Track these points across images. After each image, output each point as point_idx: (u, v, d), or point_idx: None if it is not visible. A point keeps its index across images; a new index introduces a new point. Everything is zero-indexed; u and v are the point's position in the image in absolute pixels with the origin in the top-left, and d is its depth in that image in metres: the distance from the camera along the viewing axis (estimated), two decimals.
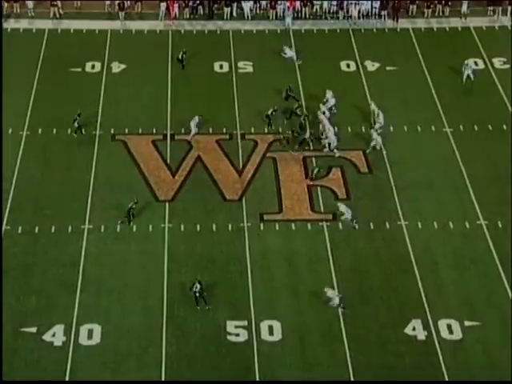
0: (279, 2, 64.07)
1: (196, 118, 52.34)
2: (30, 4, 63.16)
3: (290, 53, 58.48)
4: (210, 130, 52.81)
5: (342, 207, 46.80)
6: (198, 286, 42.04)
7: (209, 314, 41.92)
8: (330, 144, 51.50)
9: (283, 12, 63.96)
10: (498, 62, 59.62)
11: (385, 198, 48.84)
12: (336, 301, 41.07)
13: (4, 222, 46.39)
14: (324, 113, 52.90)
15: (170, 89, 56.63)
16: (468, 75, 56.60)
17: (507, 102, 55.56)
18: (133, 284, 43.56)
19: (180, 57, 57.84)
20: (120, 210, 47.19)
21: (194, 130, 52.22)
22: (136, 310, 42.26)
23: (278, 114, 53.22)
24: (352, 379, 39.02)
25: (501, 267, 44.56)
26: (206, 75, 57.88)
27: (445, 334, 41.38)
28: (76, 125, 51.60)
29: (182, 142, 52.27)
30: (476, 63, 59.43)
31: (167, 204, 48.15)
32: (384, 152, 51.51)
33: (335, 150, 51.22)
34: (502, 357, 40.23)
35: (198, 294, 42.06)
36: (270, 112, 52.87)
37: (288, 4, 63.92)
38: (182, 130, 53.04)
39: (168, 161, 50.96)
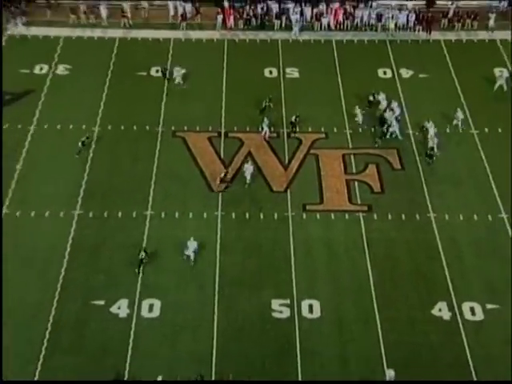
0: (324, 15, 63.78)
1: (266, 120, 52.24)
2: (104, 15, 63.49)
3: None
4: (260, 129, 52.62)
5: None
6: (143, 254, 42.97)
7: (255, 293, 41.97)
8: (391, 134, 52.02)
9: (328, 24, 63.71)
10: None
11: (415, 192, 48.45)
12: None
13: (78, 207, 46.73)
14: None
15: (224, 91, 56.55)
16: (501, 85, 55.83)
17: None
18: (189, 265, 43.66)
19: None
20: (178, 198, 47.44)
21: (266, 128, 52.12)
22: (191, 288, 42.45)
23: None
24: (383, 355, 38.96)
25: None
26: (256, 80, 57.73)
27: (468, 315, 41.22)
28: (80, 145, 50.27)
29: (234, 138, 52.16)
30: (501, 72, 58.56)
31: (220, 194, 48.15)
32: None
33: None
34: None
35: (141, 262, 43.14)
36: (293, 119, 52.74)
37: (331, 17, 63.71)
38: (235, 128, 52.98)
39: (221, 155, 50.91)
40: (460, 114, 52.84)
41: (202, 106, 55.20)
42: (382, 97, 54.61)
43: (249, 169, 48.99)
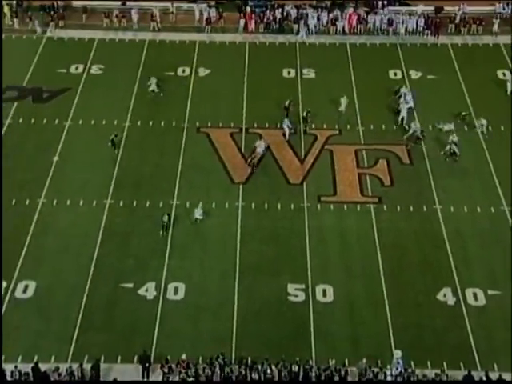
0: (339, 20, 63.52)
1: (286, 120, 51.93)
2: (135, 19, 63.53)
3: None
4: (278, 126, 52.47)
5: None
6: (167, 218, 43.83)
7: (273, 278, 41.91)
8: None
9: (342, 29, 63.50)
10: None
11: (423, 185, 48.19)
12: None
13: (109, 197, 46.80)
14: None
15: (245, 90, 56.49)
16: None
17: None
18: (211, 251, 43.70)
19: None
20: (202, 189, 47.42)
21: (287, 129, 51.81)
22: (213, 273, 42.44)
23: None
24: (391, 337, 38.83)
25: None
26: (275, 80, 57.60)
27: (471, 300, 40.98)
28: (110, 143, 49.93)
29: (254, 134, 52.01)
30: (504, 74, 58.31)
31: (241, 186, 48.08)
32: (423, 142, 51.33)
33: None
34: None
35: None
36: (304, 114, 52.75)
37: (346, 22, 63.47)
38: (255, 125, 52.87)
39: (242, 150, 50.83)
40: (483, 121, 52.17)
41: (225, 103, 55.19)
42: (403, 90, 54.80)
43: (260, 146, 49.05)
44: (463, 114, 53.16)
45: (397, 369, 36.63)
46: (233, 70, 58.92)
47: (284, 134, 51.86)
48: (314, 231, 45.01)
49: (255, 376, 36.22)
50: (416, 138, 51.13)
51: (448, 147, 49.96)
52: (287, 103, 53.45)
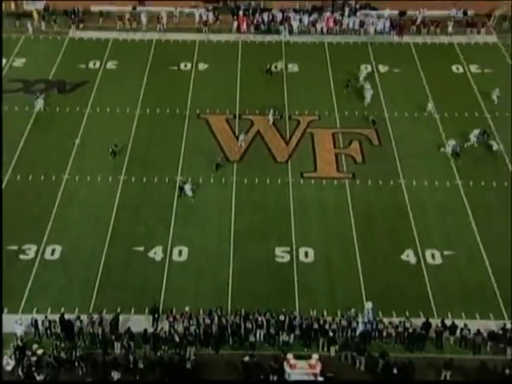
0: (318, 22, 63.01)
1: (271, 110, 51.46)
2: (144, 22, 62.89)
3: None
4: (267, 112, 52.13)
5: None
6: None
7: (263, 242, 41.76)
8: None
9: (321, 29, 62.97)
10: (473, 68, 57.92)
11: (390, 163, 47.94)
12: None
13: (122, 174, 46.46)
14: None
15: (238, 82, 55.97)
16: (493, 100, 52.97)
17: (479, 97, 54.03)
18: (210, 220, 43.46)
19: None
20: (202, 168, 47.07)
21: (271, 118, 51.31)
22: (212, 238, 42.23)
23: None
24: (363, 291, 38.82)
25: (471, 214, 43.88)
26: (264, 73, 56.89)
27: (429, 260, 40.96)
28: (111, 152, 47.46)
29: (246, 120, 51.65)
30: (457, 68, 58.05)
31: (235, 164, 47.79)
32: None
33: None
34: (469, 276, 39.96)
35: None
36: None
37: (324, 24, 62.91)
38: (247, 111, 52.46)
39: (236, 133, 50.43)
40: (430, 105, 52.00)
41: (221, 93, 54.59)
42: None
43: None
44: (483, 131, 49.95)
45: (367, 318, 36.68)
46: (228, 64, 58.35)
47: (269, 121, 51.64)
48: (297, 203, 44.79)
49: (248, 325, 36.20)
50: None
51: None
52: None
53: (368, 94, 53.26)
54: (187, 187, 44.50)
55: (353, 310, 36.98)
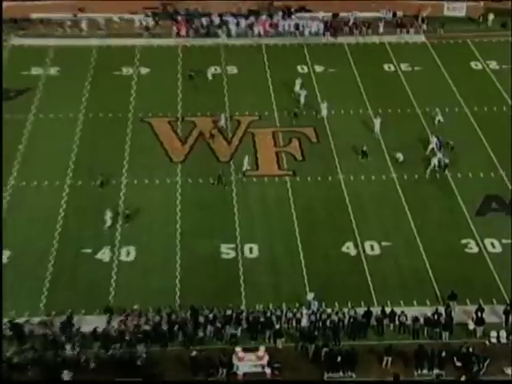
0: (254, 25, 63.22)
1: (222, 117, 51.36)
2: (85, 27, 62.47)
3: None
4: (209, 114, 52.14)
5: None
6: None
7: (208, 239, 41.77)
8: None
9: (258, 32, 63.14)
10: (403, 66, 58.84)
11: (328, 160, 48.36)
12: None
13: (68, 178, 45.83)
14: None
15: (180, 85, 55.75)
16: (439, 120, 51.39)
17: (410, 95, 54.86)
18: (157, 219, 43.32)
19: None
20: (146, 168, 46.83)
21: (222, 122, 51.18)
22: (159, 237, 42.10)
23: None
24: (306, 283, 39.15)
25: (406, 205, 44.59)
26: (204, 76, 56.68)
27: (368, 251, 41.50)
28: (99, 182, 45.80)
29: (188, 122, 51.48)
30: (389, 67, 58.95)
31: (179, 164, 47.64)
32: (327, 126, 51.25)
33: None
34: (405, 266, 40.59)
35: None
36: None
37: (261, 27, 63.14)
38: (189, 114, 52.29)
39: (179, 135, 50.31)
40: (377, 123, 50.52)
41: (163, 96, 54.32)
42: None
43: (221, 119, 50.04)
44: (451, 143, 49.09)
45: (312, 309, 37.02)
46: (169, 68, 58.05)
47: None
48: (241, 200, 44.88)
49: (197, 321, 36.15)
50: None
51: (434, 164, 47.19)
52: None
53: (302, 97, 53.40)
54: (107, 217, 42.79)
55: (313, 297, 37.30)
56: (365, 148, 48.20)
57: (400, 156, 47.82)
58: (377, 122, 50.34)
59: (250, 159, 47.35)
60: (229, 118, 52.10)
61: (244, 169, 46.85)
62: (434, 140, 48.75)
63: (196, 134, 50.40)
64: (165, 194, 45.17)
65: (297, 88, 54.39)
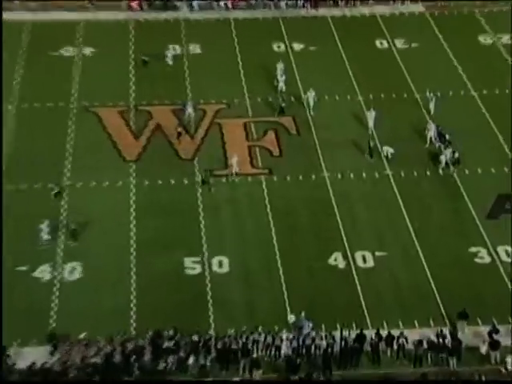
0: None
1: (189, 104, 51.54)
2: None
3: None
4: (167, 102, 52.32)
5: None
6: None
7: (169, 252, 41.91)
8: None
9: (225, 4, 63.45)
10: (399, 43, 59.60)
11: (311, 154, 48.83)
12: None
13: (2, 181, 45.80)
14: None
15: (132, 68, 55.83)
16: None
17: (407, 76, 55.57)
18: (107, 229, 43.29)
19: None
20: (93, 168, 46.85)
21: (190, 110, 51.35)
22: (110, 250, 42.14)
23: None
24: (287, 301, 39.43)
25: (403, 208, 45.07)
26: (161, 56, 56.69)
27: (360, 262, 41.87)
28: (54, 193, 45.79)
29: (143, 112, 51.65)
30: (381, 43, 59.54)
31: (133, 163, 47.76)
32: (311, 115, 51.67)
33: None
34: (404, 280, 40.99)
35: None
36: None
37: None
38: (144, 102, 52.49)
39: (132, 128, 50.43)
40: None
41: (112, 82, 54.39)
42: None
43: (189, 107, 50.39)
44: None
45: (303, 333, 37.29)
46: (118, 48, 58.07)
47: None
48: (207, 204, 45.14)
49: (157, 349, 36.27)
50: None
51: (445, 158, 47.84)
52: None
53: (282, 83, 53.77)
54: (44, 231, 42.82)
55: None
56: (372, 144, 48.41)
57: (389, 150, 48.06)
58: (370, 116, 50.55)
59: (238, 159, 47.49)
60: (193, 107, 52.17)
61: (233, 170, 47.03)
62: (432, 127, 49.29)
63: (152, 127, 50.58)
64: (116, 199, 45.26)
65: (278, 75, 54.36)
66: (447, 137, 48.93)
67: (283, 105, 51.94)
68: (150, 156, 48.43)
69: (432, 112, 51.63)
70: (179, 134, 49.65)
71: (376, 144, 49.12)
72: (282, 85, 53.71)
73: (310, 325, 37.50)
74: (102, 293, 39.80)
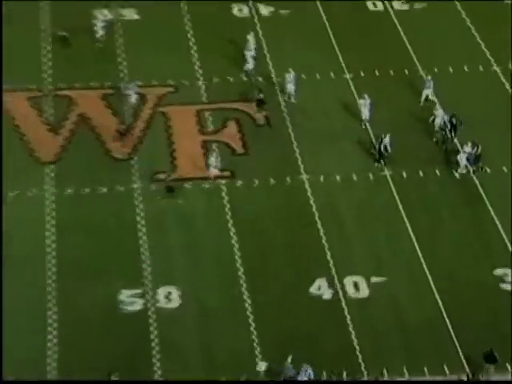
0: None
1: (132, 86, 51.92)
2: None
3: None
4: (93, 85, 52.51)
5: None
6: None
7: (100, 282, 41.88)
8: None
9: None
10: (397, 3, 60.48)
11: (285, 151, 49.30)
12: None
13: None
14: None
15: (48, 40, 55.95)
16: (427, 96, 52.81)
17: (409, 47, 56.49)
18: (16, 254, 42.97)
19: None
20: None
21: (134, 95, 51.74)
22: (20, 280, 41.77)
23: None
24: (255, 345, 39.61)
25: (406, 219, 45.61)
26: (84, 23, 56.40)
27: (351, 291, 42.17)
28: None
29: (63, 98, 51.79)
30: (374, 4, 60.35)
31: (50, 166, 47.89)
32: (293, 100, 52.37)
33: None
34: (408, 312, 41.32)
35: None
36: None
37: None
38: (63, 85, 52.58)
39: (49, 119, 50.54)
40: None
41: (21, 58, 54.21)
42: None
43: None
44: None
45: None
46: (28, 15, 57.84)
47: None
48: (149, 219, 45.32)
49: None
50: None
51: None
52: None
53: (250, 60, 54.18)
54: None
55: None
56: (386, 142, 48.22)
57: (386, 143, 48.46)
58: (365, 105, 50.87)
59: (218, 155, 47.81)
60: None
61: (211, 174, 47.48)
62: (440, 113, 49.99)
63: (75, 118, 50.76)
64: (28, 213, 45.33)
65: (250, 48, 54.53)
66: (457, 125, 49.54)
67: (261, 96, 51.82)
68: (72, 156, 48.54)
69: (427, 97, 52.05)
70: (121, 133, 49.81)
71: (369, 133, 50.16)
72: (250, 66, 53.93)
73: (311, 372, 37.49)
74: (12, 338, 39.13)
